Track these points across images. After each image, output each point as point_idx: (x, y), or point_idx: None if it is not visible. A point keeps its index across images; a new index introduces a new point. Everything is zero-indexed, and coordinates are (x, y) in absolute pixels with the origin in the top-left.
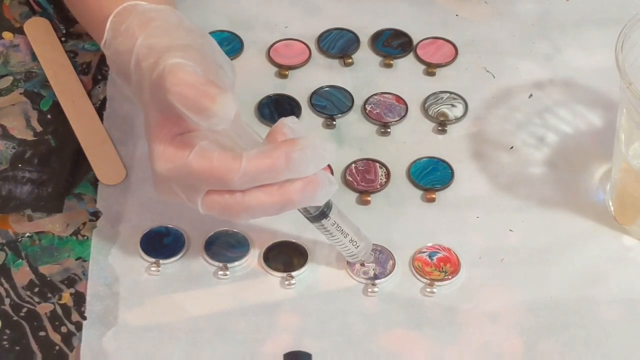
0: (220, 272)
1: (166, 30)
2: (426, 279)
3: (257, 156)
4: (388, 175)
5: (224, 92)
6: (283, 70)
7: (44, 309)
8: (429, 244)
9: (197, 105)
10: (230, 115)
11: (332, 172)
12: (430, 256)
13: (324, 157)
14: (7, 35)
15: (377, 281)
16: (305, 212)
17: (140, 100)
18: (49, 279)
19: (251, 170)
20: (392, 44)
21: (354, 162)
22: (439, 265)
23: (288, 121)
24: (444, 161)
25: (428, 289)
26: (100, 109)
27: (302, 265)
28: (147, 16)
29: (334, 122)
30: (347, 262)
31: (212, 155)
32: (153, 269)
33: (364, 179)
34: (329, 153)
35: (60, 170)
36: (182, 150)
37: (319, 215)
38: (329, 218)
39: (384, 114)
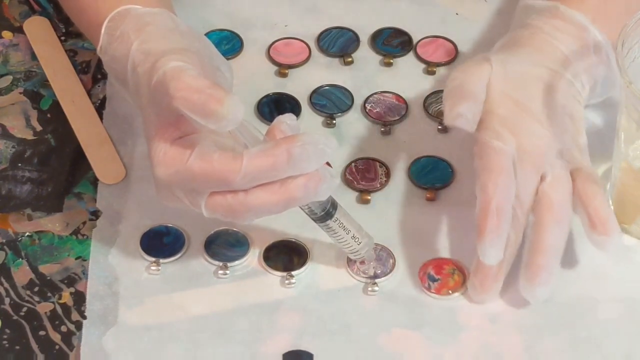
0: (220, 272)
1: (161, 35)
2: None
3: (258, 155)
4: (388, 174)
5: (230, 94)
6: (283, 69)
7: (43, 308)
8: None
9: (205, 109)
10: (238, 117)
11: None
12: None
13: (325, 153)
14: (6, 34)
15: (377, 280)
16: (311, 212)
17: (138, 105)
18: (48, 278)
19: (252, 169)
20: (392, 42)
21: (354, 161)
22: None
23: (285, 118)
24: (444, 160)
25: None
26: (99, 108)
27: (302, 264)
28: (141, 20)
29: (334, 121)
30: (347, 261)
31: (212, 157)
32: (153, 268)
33: (364, 178)
34: (330, 148)
35: (60, 169)
36: (182, 154)
37: (324, 215)
38: (334, 218)
39: (384, 113)
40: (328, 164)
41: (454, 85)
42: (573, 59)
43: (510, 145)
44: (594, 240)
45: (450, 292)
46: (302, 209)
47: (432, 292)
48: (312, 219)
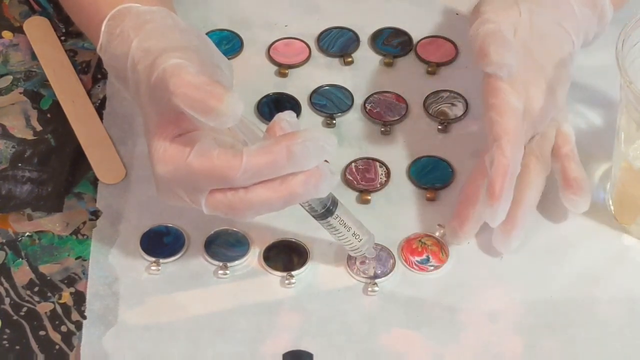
0: (220, 272)
1: (161, 33)
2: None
3: (258, 152)
4: (388, 174)
5: (230, 91)
6: (283, 69)
7: (43, 308)
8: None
9: (205, 106)
10: (238, 114)
11: None
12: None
13: (325, 150)
14: (6, 34)
15: (377, 280)
16: (311, 210)
17: (138, 103)
18: (48, 278)
19: (252, 166)
20: (392, 42)
21: (354, 161)
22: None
23: (285, 115)
24: (444, 160)
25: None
26: (99, 108)
27: (302, 264)
28: (141, 19)
29: (334, 121)
30: (347, 261)
31: (212, 153)
32: (153, 268)
33: (364, 178)
34: (330, 145)
35: (60, 169)
36: (182, 152)
37: (325, 212)
38: (335, 215)
39: (384, 112)
40: (326, 161)
41: (492, 29)
42: (582, 20)
43: (522, 104)
44: (568, 198)
45: (445, 256)
46: (302, 206)
47: (439, 267)
48: (313, 217)
